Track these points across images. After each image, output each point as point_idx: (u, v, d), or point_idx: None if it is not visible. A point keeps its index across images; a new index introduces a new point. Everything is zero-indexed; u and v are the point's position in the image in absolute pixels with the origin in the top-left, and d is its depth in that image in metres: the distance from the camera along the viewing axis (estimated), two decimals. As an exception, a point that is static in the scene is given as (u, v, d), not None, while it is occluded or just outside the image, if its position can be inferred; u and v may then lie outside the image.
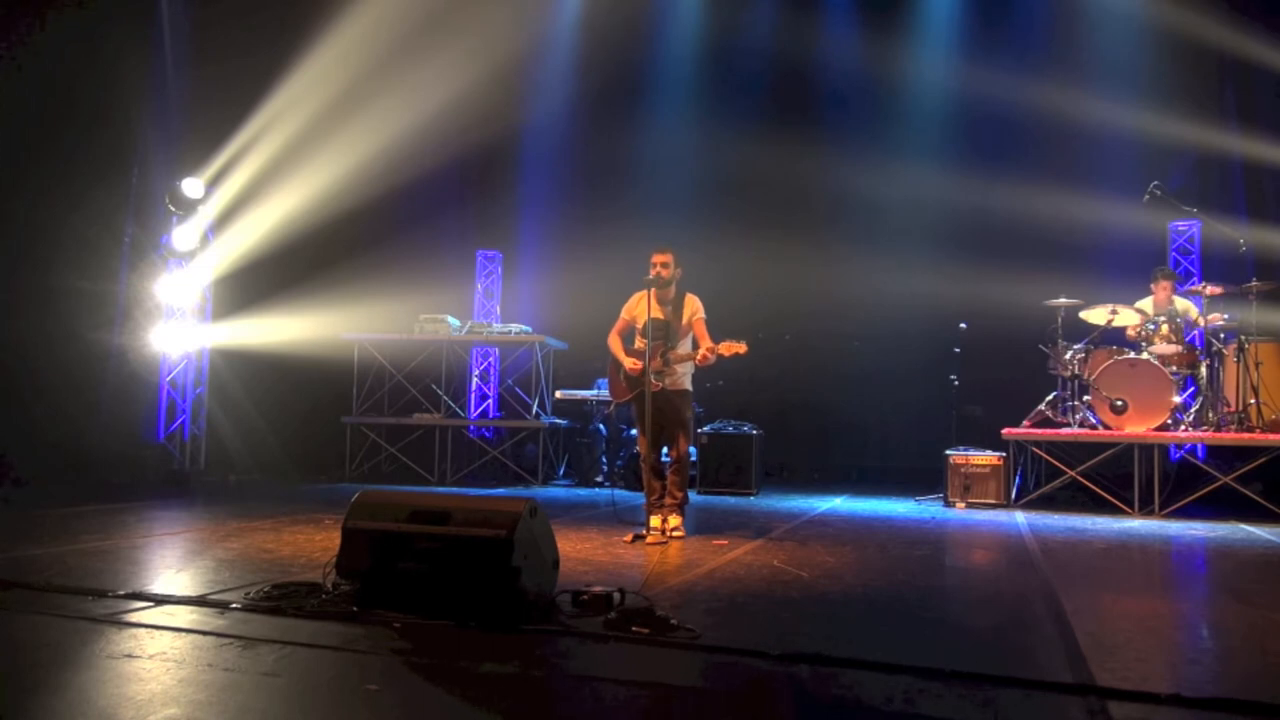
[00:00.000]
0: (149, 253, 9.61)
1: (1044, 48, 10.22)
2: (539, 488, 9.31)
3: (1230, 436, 7.61)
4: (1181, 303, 8.39)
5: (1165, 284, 8.42)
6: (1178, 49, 9.60)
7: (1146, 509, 7.47)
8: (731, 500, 8.39)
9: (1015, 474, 8.22)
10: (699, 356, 5.74)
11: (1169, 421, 7.69)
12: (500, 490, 8.79)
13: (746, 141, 10.46)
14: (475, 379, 11.37)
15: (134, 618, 3.36)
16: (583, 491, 9.12)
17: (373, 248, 10.44)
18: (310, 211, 9.86)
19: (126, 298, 9.47)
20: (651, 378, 5.67)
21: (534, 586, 3.43)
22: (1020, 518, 7.29)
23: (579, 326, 9.90)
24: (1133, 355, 7.91)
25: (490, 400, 11.27)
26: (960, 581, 4.99)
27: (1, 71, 8.35)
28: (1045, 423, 8.30)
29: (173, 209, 9.47)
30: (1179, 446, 8.37)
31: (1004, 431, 8.12)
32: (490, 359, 11.37)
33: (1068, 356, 8.16)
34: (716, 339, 5.70)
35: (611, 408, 6.95)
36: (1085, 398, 8.08)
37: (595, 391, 9.89)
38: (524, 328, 10.09)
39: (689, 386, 6.05)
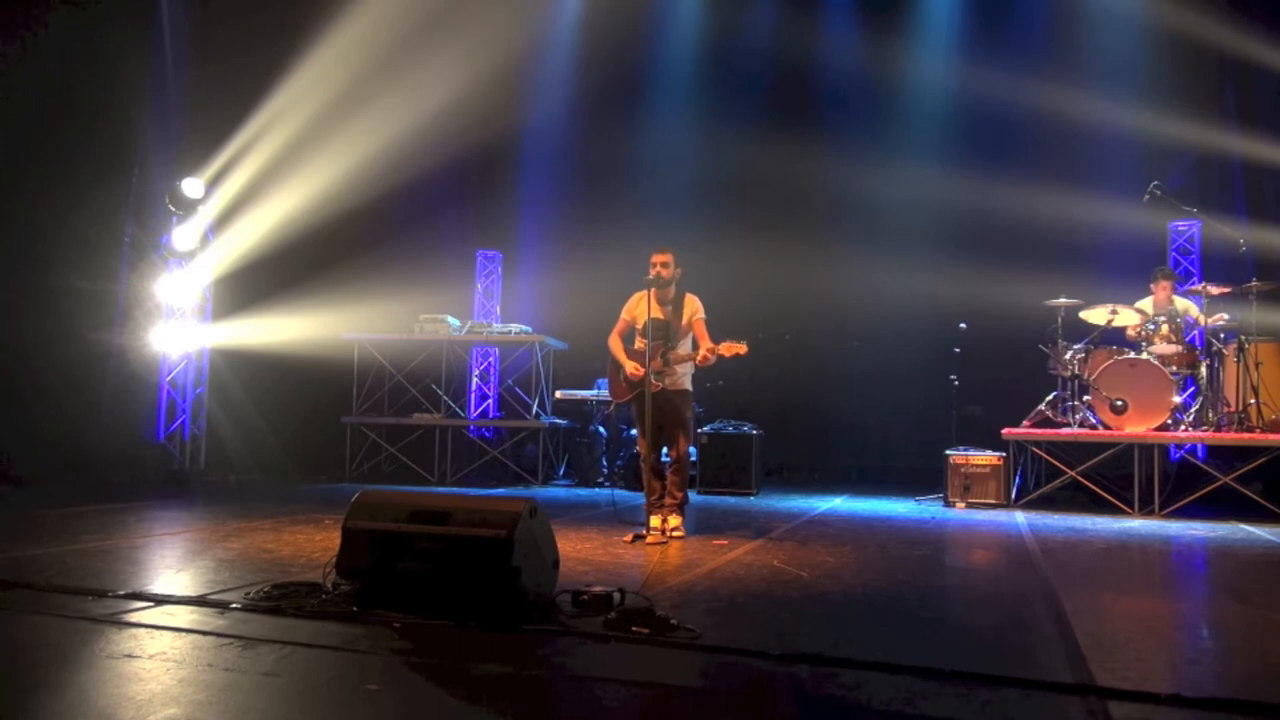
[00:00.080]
0: (149, 253, 9.62)
1: (1044, 48, 10.22)
2: (539, 488, 9.30)
3: (1230, 436, 7.61)
4: (1181, 303, 8.39)
5: (1165, 284, 8.42)
6: (1178, 49, 9.60)
7: (1146, 509, 7.47)
8: (731, 500, 8.39)
9: (1015, 474, 8.22)
10: (699, 357, 5.74)
11: (1169, 421, 7.69)
12: (500, 490, 8.79)
13: (746, 141, 10.46)
14: (475, 379, 11.38)
15: (134, 618, 3.36)
16: (583, 491, 9.12)
17: (373, 248, 10.44)
18: (310, 211, 9.86)
19: (126, 298, 9.47)
20: (651, 378, 5.67)
21: (534, 586, 3.43)
22: (1020, 518, 7.29)
23: (579, 326, 9.90)
24: (1133, 355, 7.91)
25: (490, 400, 11.27)
26: (960, 581, 4.99)
27: (1, 71, 8.35)
28: (1045, 423, 8.30)
29: (173, 209, 9.47)
30: (1179, 446, 8.38)
31: (1004, 431, 8.12)
32: (490, 359, 11.37)
33: (1068, 356, 8.16)
34: (716, 339, 5.70)
35: (611, 408, 6.96)
36: (1085, 398, 8.08)
37: (595, 391, 9.89)
38: (524, 328, 10.09)
39: (689, 387, 6.05)
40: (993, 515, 7.51)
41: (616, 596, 3.52)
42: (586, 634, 3.21)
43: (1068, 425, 8.13)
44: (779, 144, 10.20)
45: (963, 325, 9.22)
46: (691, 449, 6.48)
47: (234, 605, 3.52)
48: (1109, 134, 9.71)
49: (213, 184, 9.61)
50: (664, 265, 5.91)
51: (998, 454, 8.08)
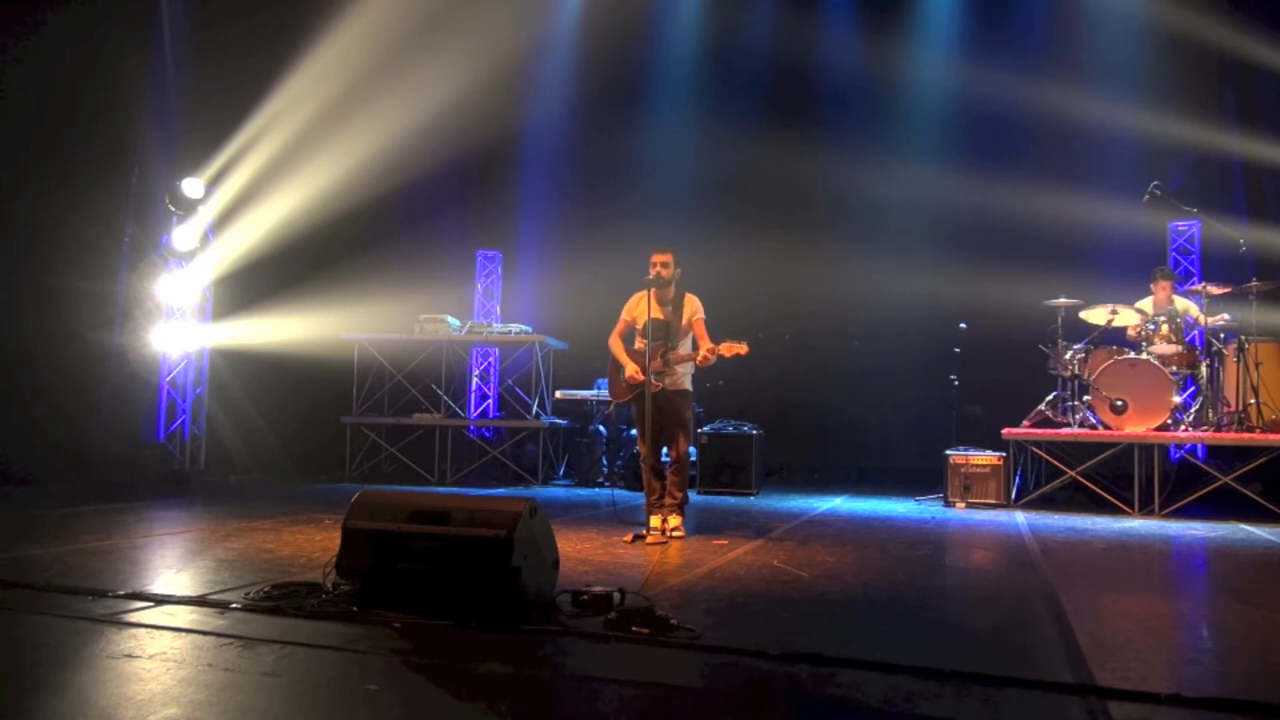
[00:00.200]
0: (149, 253, 9.62)
1: (1044, 48, 10.22)
2: (539, 488, 9.30)
3: (1230, 436, 7.61)
4: (1181, 302, 8.39)
5: (1165, 284, 8.42)
6: (1178, 49, 9.59)
7: (1146, 509, 7.47)
8: (731, 500, 8.39)
9: (1015, 474, 8.22)
10: (699, 357, 5.74)
11: (1169, 421, 7.69)
12: (500, 490, 8.79)
13: (746, 141, 10.46)
14: (475, 379, 11.38)
15: (134, 618, 3.36)
16: (583, 491, 9.12)
17: (373, 248, 10.44)
18: (310, 211, 9.86)
19: (126, 298, 9.47)
20: (651, 378, 5.67)
21: (534, 586, 3.43)
22: (1020, 518, 7.29)
23: (579, 326, 9.90)
24: (1133, 355, 7.91)
25: (490, 400, 11.27)
26: (960, 581, 4.98)
27: (2, 71, 8.35)
28: (1045, 423, 8.30)
29: (173, 209, 9.47)
30: (1179, 446, 8.37)
31: (1004, 431, 8.12)
32: (490, 359, 11.37)
33: (1068, 356, 8.16)
34: (716, 339, 5.70)
35: (611, 408, 6.95)
36: (1085, 398, 8.08)
37: (595, 391, 9.89)
38: (524, 328, 10.09)
39: (689, 387, 6.05)
40: (993, 515, 7.51)
41: (616, 596, 3.52)
42: (586, 634, 3.21)
43: (1068, 425, 8.13)
44: (779, 144, 10.20)
45: (963, 325, 9.22)
46: (691, 449, 6.48)
47: (234, 605, 3.52)
48: (1109, 134, 9.71)
49: (213, 184, 9.61)
50: (664, 265, 5.91)
51: (998, 454, 8.08)
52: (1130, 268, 8.97)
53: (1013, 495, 8.08)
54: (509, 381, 10.81)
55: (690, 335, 5.94)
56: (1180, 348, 8.02)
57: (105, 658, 2.88)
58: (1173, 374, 7.78)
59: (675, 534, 5.75)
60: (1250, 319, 7.98)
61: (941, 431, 9.34)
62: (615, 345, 6.08)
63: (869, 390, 10.52)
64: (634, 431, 7.70)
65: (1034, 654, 3.20)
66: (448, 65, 10.11)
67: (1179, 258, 10.05)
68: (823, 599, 3.99)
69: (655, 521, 5.72)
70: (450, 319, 10.10)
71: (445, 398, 10.21)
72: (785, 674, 2.82)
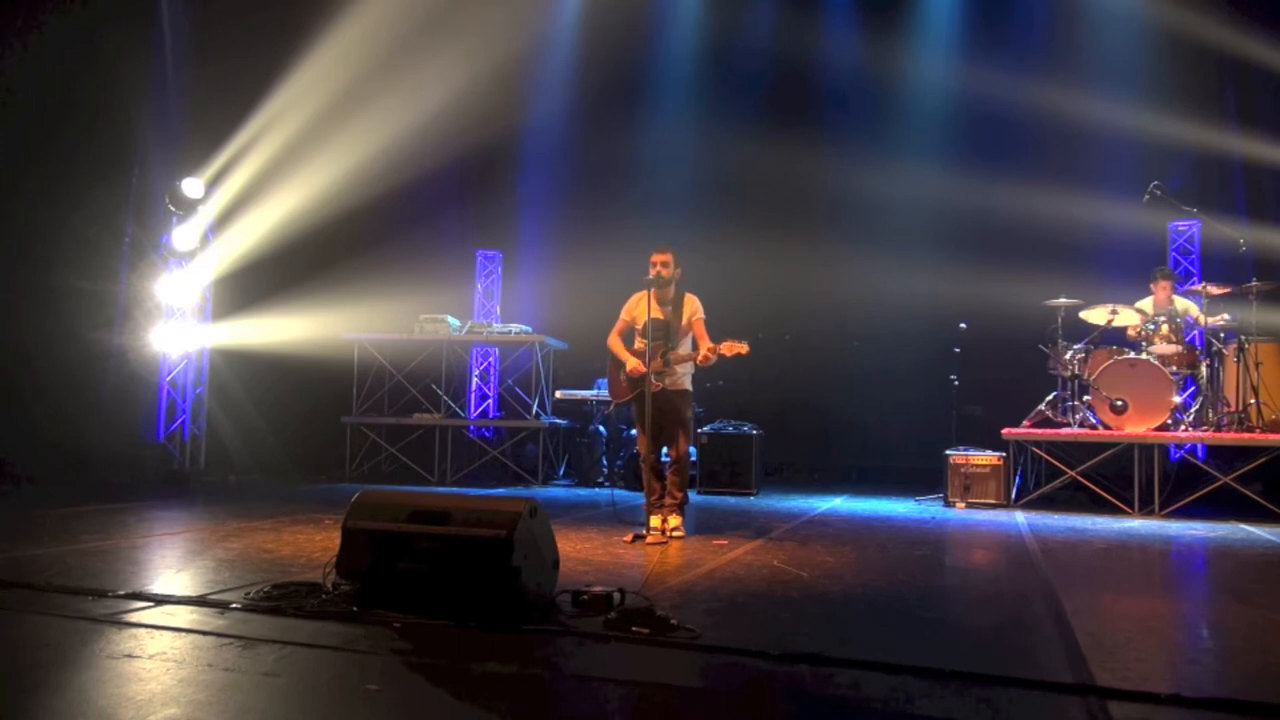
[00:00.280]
0: (149, 253, 9.62)
1: (1044, 48, 10.22)
2: (539, 488, 9.30)
3: (1230, 436, 7.61)
4: (1181, 302, 8.39)
5: (1165, 284, 8.42)
6: (1178, 49, 9.59)
7: (1146, 509, 7.47)
8: (731, 500, 8.39)
9: (1015, 474, 8.22)
10: (700, 357, 5.74)
11: (1169, 421, 7.69)
12: (500, 490, 8.79)
13: (746, 141, 10.46)
14: (475, 379, 11.38)
15: (134, 618, 3.36)
16: (583, 491, 9.12)
17: (373, 248, 10.44)
18: (310, 211, 9.86)
19: (126, 298, 9.47)
20: (651, 378, 5.67)
21: (534, 586, 3.43)
22: (1020, 518, 7.29)
23: (579, 326, 9.90)
24: (1133, 355, 7.91)
25: (490, 400, 11.27)
26: (960, 581, 4.99)
27: (2, 71, 8.35)
28: (1045, 423, 8.30)
29: (173, 209, 9.47)
30: (1179, 446, 8.37)
31: (1004, 431, 8.12)
32: (490, 359, 11.37)
33: (1068, 356, 8.16)
34: (716, 339, 5.70)
35: (611, 408, 6.95)
36: (1085, 398, 8.08)
37: (595, 391, 9.89)
38: (524, 328, 10.09)
39: (689, 387, 6.05)
40: (993, 515, 7.51)
41: (616, 596, 3.52)
42: (586, 634, 3.21)
43: (1068, 425, 8.13)
44: (779, 144, 10.20)
45: (963, 325, 9.22)
46: (691, 449, 6.48)
47: (234, 605, 3.52)
48: (1109, 134, 9.70)
49: (213, 184, 9.61)
50: (664, 265, 5.91)
51: (998, 454, 8.08)
52: (1130, 268, 8.97)
53: (1013, 495, 8.08)
54: (509, 381, 10.81)
55: (690, 335, 5.94)
56: (1180, 348, 8.02)
57: (105, 658, 2.88)
58: (1173, 374, 7.78)
59: (675, 534, 5.75)
60: (1250, 319, 7.98)
61: (941, 431, 9.34)
62: (615, 345, 6.07)
63: (869, 390, 10.52)
64: (634, 431, 7.70)
65: (1034, 654, 3.20)
66: (448, 65, 10.11)
67: (1179, 258, 10.05)
68: (823, 599, 3.99)
69: (655, 521, 5.72)
70: (450, 319, 10.10)
71: (445, 398, 10.21)
72: (785, 674, 2.82)
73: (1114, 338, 8.36)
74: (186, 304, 9.69)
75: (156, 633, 3.17)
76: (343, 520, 3.64)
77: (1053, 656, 3.11)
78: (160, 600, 3.61)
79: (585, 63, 11.51)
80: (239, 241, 9.80)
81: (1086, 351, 8.15)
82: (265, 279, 9.90)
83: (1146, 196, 8.28)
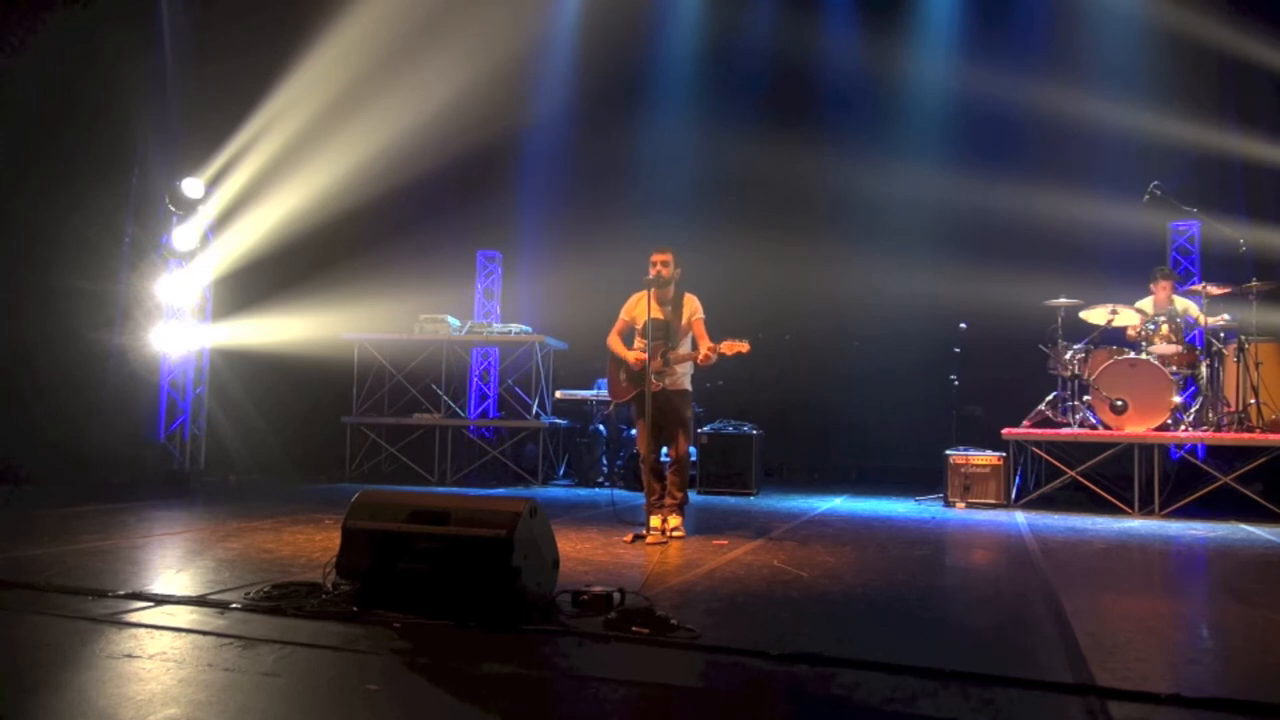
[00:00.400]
0: (149, 253, 9.62)
1: (1044, 48, 10.22)
2: (539, 488, 9.31)
3: (1230, 436, 7.61)
4: (1181, 302, 8.39)
5: (1165, 284, 8.42)
6: (1178, 49, 9.60)
7: (1146, 509, 7.47)
8: (731, 500, 8.39)
9: (1015, 474, 8.21)
10: (700, 357, 5.74)
11: (1169, 421, 7.69)
12: (500, 490, 8.79)
13: (746, 141, 10.46)
14: (475, 379, 11.37)
15: (134, 618, 3.36)
16: (583, 491, 9.12)
17: (373, 248, 10.44)
18: (310, 211, 9.86)
19: (126, 298, 9.47)
20: (651, 378, 5.67)
21: (534, 586, 3.43)
22: (1020, 518, 7.29)
23: (579, 326, 9.90)
24: (1133, 355, 7.91)
25: (490, 400, 11.27)
26: (960, 581, 4.99)
27: (1, 71, 8.35)
28: (1045, 423, 8.30)
29: (173, 209, 9.48)
30: (1179, 446, 8.37)
31: (1004, 431, 8.12)
32: (490, 359, 11.37)
33: (1068, 356, 8.16)
34: (716, 339, 5.70)
35: (611, 408, 6.96)
36: (1085, 398, 8.08)
37: (595, 391, 9.90)
38: (524, 328, 10.09)
39: (689, 387, 6.05)
40: (993, 515, 7.51)
41: (616, 596, 3.52)
42: (586, 634, 3.21)
43: (1068, 425, 8.13)
44: (779, 144, 10.20)
45: (963, 325, 9.22)
46: (691, 449, 6.48)
47: (234, 605, 3.52)
48: (1109, 134, 9.71)
49: (213, 184, 9.62)
50: (664, 265, 5.91)
51: (998, 454, 8.08)
52: (1130, 268, 8.97)
53: (1013, 495, 8.08)
54: (509, 381, 10.81)
55: (690, 335, 5.95)
56: (1180, 348, 8.02)
57: (105, 658, 2.88)
58: (1173, 374, 7.78)
59: (675, 534, 5.75)
60: (1250, 319, 7.98)
61: (941, 431, 9.34)
62: (615, 344, 6.07)
63: (869, 390, 10.52)
64: (634, 431, 7.70)
65: (1034, 654, 3.20)
66: (448, 65, 10.11)
67: (1179, 258, 10.05)
68: (823, 599, 3.99)
69: (655, 521, 5.72)
70: (450, 319, 10.10)
71: (445, 398, 10.21)
72: (785, 674, 2.82)
73: (1114, 338, 8.36)
74: (186, 304, 9.69)
75: (156, 633, 3.17)
76: (343, 520, 3.64)
77: (1053, 656, 3.11)
78: (160, 600, 3.61)
79: (585, 63, 11.51)
80: (239, 241, 9.80)
81: (1086, 351, 8.15)
82: (265, 279, 9.90)
83: (1146, 196, 8.28)
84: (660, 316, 5.89)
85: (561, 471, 10.36)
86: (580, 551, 5.09)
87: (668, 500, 5.89)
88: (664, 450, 6.10)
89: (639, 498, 6.94)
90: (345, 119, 10.02)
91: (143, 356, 9.48)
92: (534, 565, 3.44)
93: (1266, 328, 8.01)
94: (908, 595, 4.21)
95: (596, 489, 9.32)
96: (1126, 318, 8.23)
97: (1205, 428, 7.81)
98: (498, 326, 10.15)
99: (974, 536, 6.35)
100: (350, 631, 3.23)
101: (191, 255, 9.66)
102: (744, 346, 5.56)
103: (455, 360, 10.85)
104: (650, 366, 5.67)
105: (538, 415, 9.93)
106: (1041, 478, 8.39)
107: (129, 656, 2.88)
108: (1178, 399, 7.74)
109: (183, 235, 9.53)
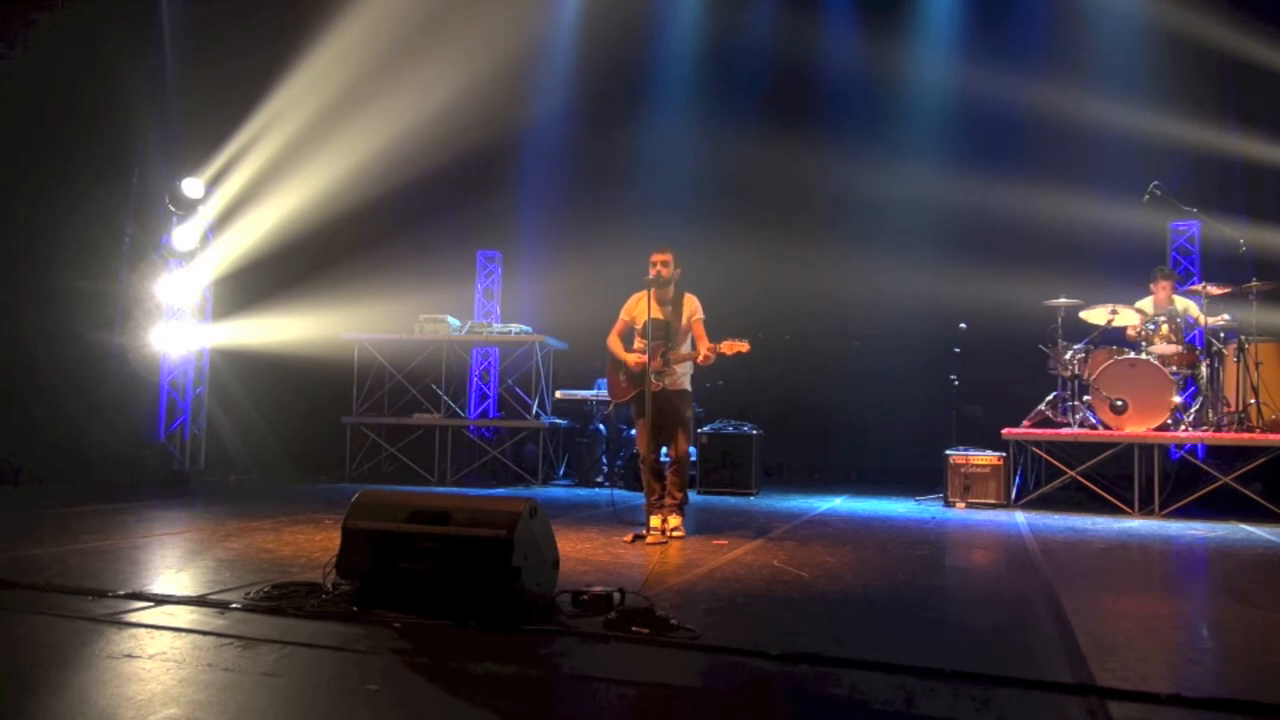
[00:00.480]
0: (149, 253, 9.62)
1: (1044, 48, 10.22)
2: (539, 488, 9.31)
3: (1230, 436, 7.61)
4: (1181, 302, 8.39)
5: (1165, 284, 8.42)
6: (1178, 49, 9.60)
7: (1146, 509, 7.47)
8: (731, 500, 8.39)
9: (1015, 474, 8.22)
10: (700, 357, 5.74)
11: (1169, 421, 7.69)
12: (500, 490, 8.79)
13: (746, 141, 10.46)
14: (475, 379, 11.38)
15: (134, 618, 3.36)
16: (583, 491, 9.12)
17: (373, 248, 10.44)
18: (310, 211, 9.86)
19: (126, 298, 9.47)
20: (651, 378, 5.67)
21: (534, 586, 3.43)
22: (1020, 518, 7.29)
23: (579, 326, 9.90)
24: (1133, 355, 7.91)
25: (490, 400, 11.27)
26: (960, 581, 4.98)
27: (1, 71, 8.36)
28: (1045, 423, 8.30)
29: (173, 209, 9.48)
30: (1179, 446, 8.37)
31: (1004, 431, 8.12)
32: (490, 359, 11.37)
33: (1068, 356, 8.16)
34: (716, 339, 5.70)
35: (611, 408, 6.96)
36: (1085, 398, 8.08)
37: (595, 391, 9.89)
38: (524, 328, 10.09)
39: (689, 387, 6.05)
40: (993, 515, 7.51)
41: (616, 596, 3.52)
42: (586, 634, 3.21)
43: (1068, 425, 8.13)
44: (779, 144, 10.20)
45: (963, 325, 9.22)
46: (691, 449, 6.48)
47: (234, 605, 3.52)
48: (1109, 134, 9.70)
49: (213, 184, 9.62)
50: (664, 265, 5.91)
51: (998, 454, 8.08)
52: (1130, 268, 8.97)
53: (1013, 495, 8.08)
54: (509, 381, 10.81)
55: (690, 335, 5.95)
56: (1180, 348, 8.02)
57: (105, 658, 2.88)
58: (1173, 374, 7.78)
59: (675, 534, 5.75)
60: (1250, 319, 7.98)
61: (941, 431, 9.34)
62: (614, 345, 6.07)
63: (869, 390, 10.52)
64: (634, 431, 7.70)
65: (1034, 654, 3.20)
66: (448, 65, 10.11)
67: (1179, 258, 10.05)
68: (823, 599, 3.99)
69: (655, 521, 5.72)
70: (450, 319, 10.10)
71: (445, 398, 10.21)
72: (785, 674, 2.82)
73: (1114, 338, 8.36)
74: (186, 304, 9.69)
75: (156, 633, 3.17)
76: (343, 520, 3.64)
77: (1053, 656, 3.11)
78: (160, 600, 3.61)
79: (585, 63, 11.51)
80: (239, 241, 9.80)
81: (1086, 351, 8.15)
82: (265, 279, 9.91)
83: (1146, 196, 8.28)
84: (660, 316, 5.89)
85: (561, 471, 10.36)
86: (580, 551, 5.09)
87: (668, 500, 5.89)
88: (664, 450, 6.10)
89: (639, 498, 6.94)
90: (345, 119, 10.02)
91: (143, 356, 9.48)
92: (534, 565, 3.44)
93: (1266, 328, 8.01)
94: (908, 595, 4.21)
95: (596, 489, 9.32)
96: (1126, 318, 8.23)
97: (1205, 428, 7.81)
98: (498, 326, 10.15)
99: (974, 536, 6.35)
100: (350, 631, 3.23)
101: (191, 255, 9.66)
102: (744, 346, 5.56)
103: (455, 360, 10.85)
104: (650, 366, 5.67)
105: (538, 415, 9.93)
106: (1041, 478, 8.39)
107: (129, 656, 2.88)
108: (1178, 399, 7.74)
109: (183, 235, 9.53)
